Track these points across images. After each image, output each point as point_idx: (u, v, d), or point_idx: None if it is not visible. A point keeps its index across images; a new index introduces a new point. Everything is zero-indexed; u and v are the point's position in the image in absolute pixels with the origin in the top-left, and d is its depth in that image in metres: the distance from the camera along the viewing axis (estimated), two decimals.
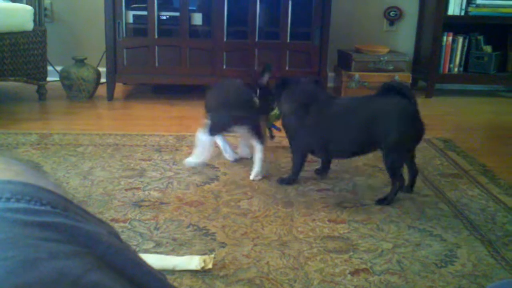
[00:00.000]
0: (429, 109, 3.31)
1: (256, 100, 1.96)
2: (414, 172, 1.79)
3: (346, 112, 1.73)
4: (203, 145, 1.91)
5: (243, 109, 1.86)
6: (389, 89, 1.67)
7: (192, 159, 1.98)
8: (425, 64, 3.69)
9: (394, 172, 1.68)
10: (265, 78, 1.98)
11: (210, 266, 1.26)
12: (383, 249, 1.40)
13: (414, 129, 1.66)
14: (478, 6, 3.50)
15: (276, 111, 1.93)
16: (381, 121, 1.64)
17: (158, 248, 1.36)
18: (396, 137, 1.63)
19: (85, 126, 2.58)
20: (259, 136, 1.88)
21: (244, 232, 1.47)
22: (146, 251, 1.34)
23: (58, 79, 3.24)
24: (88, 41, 3.66)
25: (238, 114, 1.85)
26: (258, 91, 1.98)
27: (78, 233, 0.37)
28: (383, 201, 1.69)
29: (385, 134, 1.63)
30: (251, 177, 1.89)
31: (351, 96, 3.37)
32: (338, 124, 1.72)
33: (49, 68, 3.28)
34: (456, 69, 3.69)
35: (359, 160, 2.11)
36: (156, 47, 3.14)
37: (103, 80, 3.23)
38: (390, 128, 1.63)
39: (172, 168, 1.99)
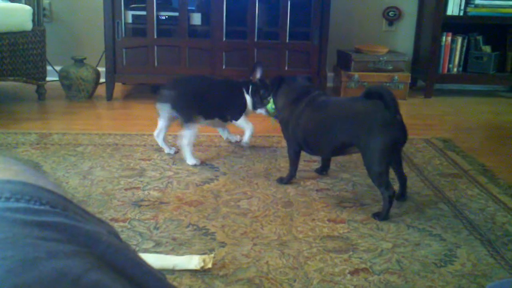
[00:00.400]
0: (429, 109, 3.32)
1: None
2: (403, 180, 1.73)
3: (327, 111, 1.71)
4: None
5: (177, 95, 2.03)
6: (372, 94, 1.62)
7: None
8: (424, 64, 3.69)
9: (378, 180, 1.59)
10: (256, 74, 2.15)
11: (209, 265, 1.26)
12: (383, 248, 1.40)
13: (390, 134, 1.56)
14: (477, 6, 3.51)
15: (271, 104, 2.06)
16: (355, 124, 1.60)
17: (158, 247, 1.36)
18: (370, 142, 1.57)
19: (84, 126, 2.58)
20: (185, 123, 2.00)
21: (243, 232, 1.47)
22: (146, 250, 1.34)
23: (57, 79, 3.24)
24: (87, 41, 3.66)
25: (173, 98, 2.03)
26: (250, 86, 2.15)
27: (78, 232, 0.37)
28: (377, 217, 1.60)
29: (359, 138, 1.59)
30: (188, 162, 2.03)
31: (346, 96, 3.37)
32: (317, 122, 1.72)
33: (48, 68, 3.28)
34: (455, 69, 3.69)
35: (358, 160, 2.10)
36: (155, 47, 3.14)
37: (102, 80, 3.23)
38: (364, 132, 1.57)
39: (172, 167, 1.99)
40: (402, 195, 1.74)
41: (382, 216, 1.59)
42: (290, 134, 1.82)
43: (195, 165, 2.01)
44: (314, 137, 1.73)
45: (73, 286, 0.31)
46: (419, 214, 1.64)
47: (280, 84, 1.87)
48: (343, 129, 1.63)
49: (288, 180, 1.85)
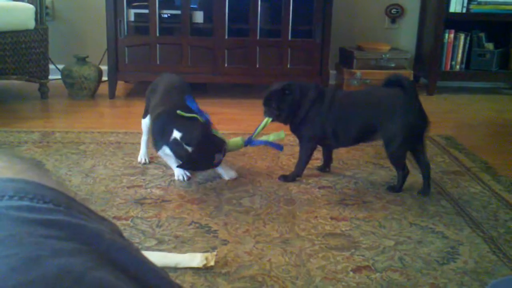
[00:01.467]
0: (431, 106, 3.30)
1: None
2: (426, 169, 1.75)
3: (353, 100, 1.85)
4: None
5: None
6: (392, 82, 1.74)
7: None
8: (426, 61, 3.68)
9: (396, 161, 1.76)
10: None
11: (212, 263, 1.26)
12: (385, 246, 1.41)
13: (410, 118, 1.69)
14: (479, 3, 3.49)
15: (267, 120, 1.84)
16: (378, 111, 1.74)
17: (160, 245, 1.37)
18: (391, 125, 1.70)
19: (87, 124, 2.58)
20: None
21: (246, 230, 1.47)
22: (148, 248, 1.34)
23: (60, 77, 3.24)
24: (90, 39, 3.66)
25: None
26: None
27: (81, 230, 0.38)
28: (392, 190, 1.77)
29: (382, 122, 1.72)
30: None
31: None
32: (345, 112, 1.80)
33: (51, 66, 3.28)
34: (457, 67, 3.68)
35: (361, 157, 2.11)
36: (158, 45, 3.13)
37: (104, 78, 3.23)
38: (386, 118, 1.71)
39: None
40: (427, 187, 1.76)
41: (397, 188, 1.76)
42: (313, 131, 1.82)
43: (139, 163, 1.99)
44: (343, 126, 1.79)
45: (76, 283, 0.31)
46: (421, 211, 1.64)
47: (293, 89, 1.81)
48: (368, 115, 1.75)
49: (292, 178, 1.85)
